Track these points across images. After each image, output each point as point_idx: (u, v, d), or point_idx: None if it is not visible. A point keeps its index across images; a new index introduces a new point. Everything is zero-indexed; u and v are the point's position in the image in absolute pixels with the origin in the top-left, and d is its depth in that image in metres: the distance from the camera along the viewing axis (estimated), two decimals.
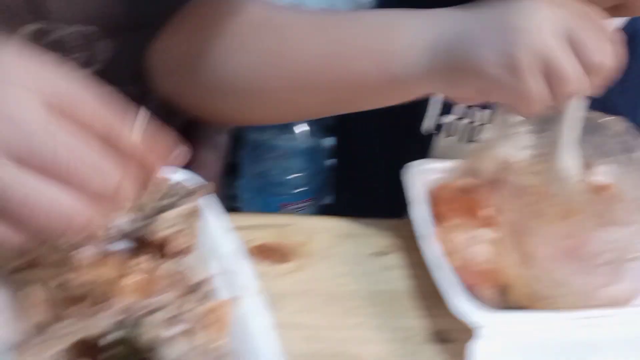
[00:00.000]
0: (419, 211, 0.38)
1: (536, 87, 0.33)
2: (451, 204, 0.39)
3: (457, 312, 0.32)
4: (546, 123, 0.38)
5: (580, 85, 0.33)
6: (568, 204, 0.35)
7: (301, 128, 0.62)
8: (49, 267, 0.30)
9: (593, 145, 0.36)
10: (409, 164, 0.42)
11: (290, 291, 0.37)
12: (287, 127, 0.63)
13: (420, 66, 0.36)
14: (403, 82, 0.37)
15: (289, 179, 0.63)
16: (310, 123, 0.62)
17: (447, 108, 0.49)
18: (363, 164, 0.59)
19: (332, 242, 0.41)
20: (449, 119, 0.49)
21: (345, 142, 0.63)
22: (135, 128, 0.26)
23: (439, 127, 0.50)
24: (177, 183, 0.39)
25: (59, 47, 0.40)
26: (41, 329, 0.29)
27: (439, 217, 0.39)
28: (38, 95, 0.23)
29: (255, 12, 0.42)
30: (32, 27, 0.41)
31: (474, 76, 0.34)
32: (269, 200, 0.64)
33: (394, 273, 0.39)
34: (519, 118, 0.39)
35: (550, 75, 0.33)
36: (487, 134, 0.44)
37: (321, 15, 0.43)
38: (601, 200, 0.35)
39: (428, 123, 0.50)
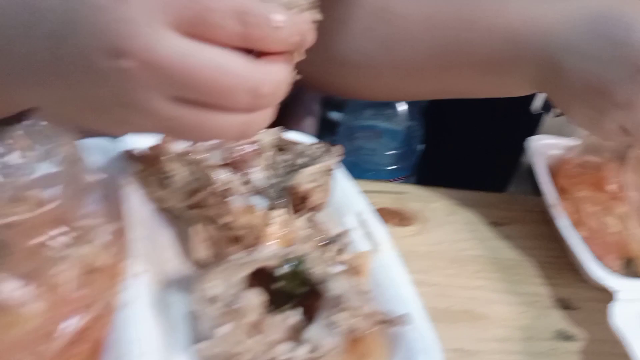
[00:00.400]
0: (546, 183, 0.39)
1: None
2: (573, 178, 0.40)
3: (594, 276, 0.33)
4: None
5: None
6: None
7: (400, 108, 0.64)
8: (212, 208, 0.33)
9: None
10: (530, 138, 0.43)
11: (414, 252, 0.38)
12: (386, 106, 0.65)
13: None
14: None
15: (383, 155, 0.65)
16: (409, 104, 0.64)
17: None
18: (460, 142, 0.60)
19: (450, 210, 0.43)
20: None
21: (440, 122, 0.64)
22: None
23: (547, 107, 0.51)
24: (308, 144, 0.41)
25: None
26: (203, 264, 0.33)
27: (561, 190, 0.40)
28: None
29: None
30: None
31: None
32: (362, 175, 0.67)
33: (512, 242, 0.40)
34: None
35: None
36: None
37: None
38: None
39: (538, 102, 0.51)
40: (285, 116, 0.47)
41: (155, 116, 0.23)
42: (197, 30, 0.22)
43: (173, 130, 0.25)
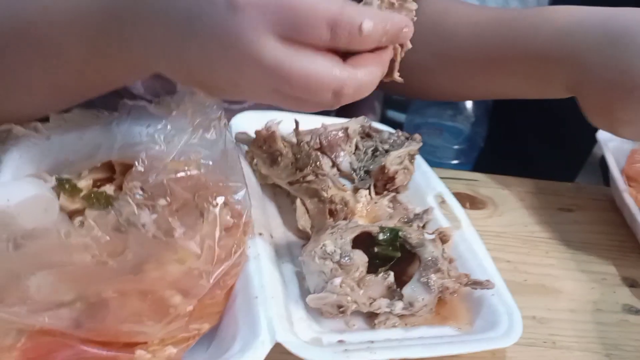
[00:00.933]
0: (615, 170, 0.42)
1: None
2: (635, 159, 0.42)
3: None
4: None
5: None
6: None
7: (463, 107, 0.68)
8: (313, 183, 0.37)
9: None
10: (600, 131, 0.45)
11: (488, 232, 0.42)
12: (449, 105, 0.68)
13: None
14: None
15: (446, 149, 0.68)
16: (474, 103, 0.67)
17: None
18: (526, 137, 0.63)
19: (520, 197, 0.46)
20: None
21: (507, 120, 0.67)
22: None
23: None
24: (390, 133, 0.46)
25: None
26: (304, 233, 0.37)
27: (629, 179, 0.42)
28: None
29: (436, 4, 0.48)
30: None
31: None
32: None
33: (581, 227, 0.43)
34: None
35: None
36: None
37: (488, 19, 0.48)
38: None
39: None
40: (348, 112, 0.51)
41: (264, 63, 0.26)
42: (293, 37, 0.26)
43: (279, 83, 0.27)
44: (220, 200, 0.29)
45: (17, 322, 0.25)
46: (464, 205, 0.44)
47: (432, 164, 0.46)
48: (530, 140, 0.63)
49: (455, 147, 0.68)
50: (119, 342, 0.27)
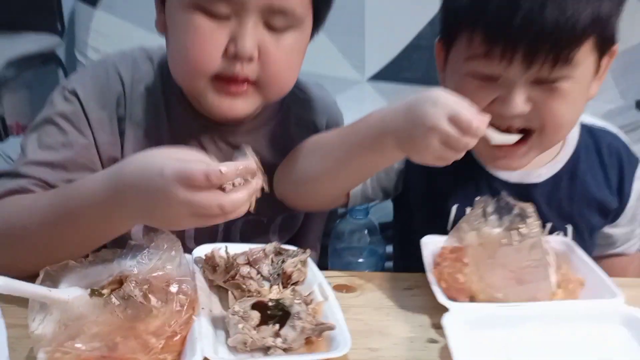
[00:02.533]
0: (427, 259, 0.68)
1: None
2: (444, 256, 0.69)
3: (441, 301, 0.61)
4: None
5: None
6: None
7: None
8: (239, 282, 0.64)
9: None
10: (423, 238, 0.73)
11: (356, 304, 0.67)
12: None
13: None
14: None
15: (361, 263, 0.95)
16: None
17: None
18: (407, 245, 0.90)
19: (376, 284, 0.72)
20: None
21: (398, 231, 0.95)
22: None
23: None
24: (293, 249, 0.73)
25: None
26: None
27: (436, 264, 0.69)
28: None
29: (311, 140, 0.77)
30: None
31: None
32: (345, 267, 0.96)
33: (414, 292, 0.69)
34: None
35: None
36: (465, 219, 0.73)
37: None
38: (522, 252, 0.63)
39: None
40: (295, 243, 0.79)
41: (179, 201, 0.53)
42: (191, 185, 0.52)
43: (190, 209, 0.53)
44: (174, 287, 0.56)
45: (77, 352, 0.51)
46: (341, 290, 0.70)
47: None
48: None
49: (364, 259, 0.95)
50: None
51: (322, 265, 0.83)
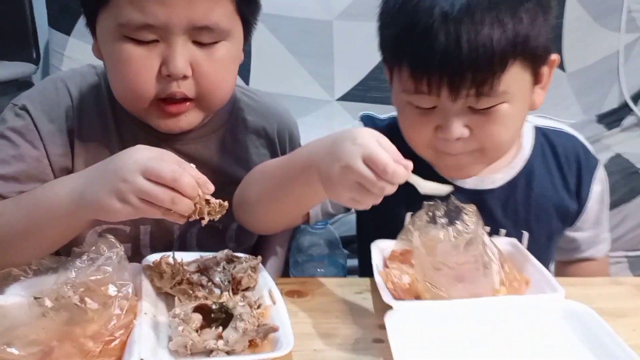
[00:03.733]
0: (376, 262, 0.69)
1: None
2: (393, 259, 0.70)
3: (386, 301, 0.61)
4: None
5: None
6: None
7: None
8: (187, 288, 0.64)
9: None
10: (374, 242, 0.74)
11: (306, 309, 0.67)
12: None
13: None
14: None
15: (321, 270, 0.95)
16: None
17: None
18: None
19: (328, 289, 0.72)
20: None
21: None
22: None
23: None
24: (245, 257, 0.73)
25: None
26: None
27: (385, 266, 0.69)
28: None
29: (257, 168, 0.78)
30: None
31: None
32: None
33: (364, 295, 0.69)
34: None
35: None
36: (412, 222, 0.73)
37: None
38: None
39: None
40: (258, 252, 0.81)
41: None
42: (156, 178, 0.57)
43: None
44: (114, 291, 0.56)
45: (12, 357, 0.50)
46: (294, 295, 0.70)
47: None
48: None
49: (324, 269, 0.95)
50: None
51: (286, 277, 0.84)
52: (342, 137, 0.60)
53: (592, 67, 1.76)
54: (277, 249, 0.98)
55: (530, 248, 0.76)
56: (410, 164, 0.58)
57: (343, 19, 1.76)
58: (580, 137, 0.85)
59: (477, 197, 0.76)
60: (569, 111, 1.73)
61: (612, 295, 0.71)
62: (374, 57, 1.77)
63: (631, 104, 1.70)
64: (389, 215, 0.83)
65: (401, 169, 0.57)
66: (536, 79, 0.70)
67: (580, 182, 0.81)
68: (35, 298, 0.56)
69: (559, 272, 0.89)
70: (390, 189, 0.58)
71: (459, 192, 0.77)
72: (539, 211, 0.79)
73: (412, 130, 0.72)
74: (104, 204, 0.59)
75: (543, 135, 0.82)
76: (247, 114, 0.86)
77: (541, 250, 0.79)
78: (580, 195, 0.81)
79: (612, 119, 1.67)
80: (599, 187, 0.82)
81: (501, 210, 0.79)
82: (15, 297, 0.57)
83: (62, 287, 0.53)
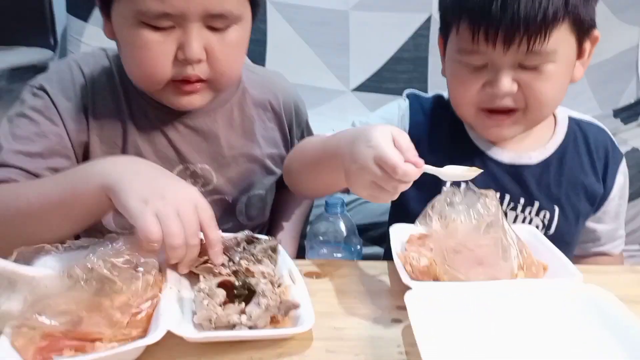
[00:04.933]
0: (394, 245, 0.70)
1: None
2: (411, 242, 0.71)
3: (405, 281, 0.62)
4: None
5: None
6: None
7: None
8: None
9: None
10: (393, 226, 0.75)
11: (325, 289, 0.68)
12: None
13: None
14: None
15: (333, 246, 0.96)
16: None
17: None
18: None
19: (346, 271, 0.73)
20: None
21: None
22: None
23: None
24: (264, 238, 0.74)
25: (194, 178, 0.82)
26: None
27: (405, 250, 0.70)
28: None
29: (301, 144, 0.83)
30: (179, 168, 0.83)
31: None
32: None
33: (381, 278, 0.70)
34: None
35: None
36: (431, 206, 0.74)
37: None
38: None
39: None
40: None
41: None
42: None
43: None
44: (141, 267, 0.57)
45: (42, 326, 0.52)
46: (311, 276, 0.71)
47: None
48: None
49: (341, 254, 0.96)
50: (87, 338, 0.53)
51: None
52: (359, 137, 0.63)
53: (609, 61, 1.75)
54: (291, 234, 0.99)
55: (560, 224, 0.82)
56: (420, 162, 0.60)
57: (359, 9, 1.76)
58: (608, 131, 0.89)
59: (515, 171, 0.82)
60: (586, 105, 1.73)
61: (629, 282, 0.72)
62: (389, 48, 1.81)
63: None
64: (425, 186, 0.79)
65: (411, 168, 0.59)
66: (579, 51, 0.74)
67: (607, 170, 0.85)
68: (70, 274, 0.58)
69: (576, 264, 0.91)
70: (404, 186, 0.61)
71: (497, 165, 0.82)
72: (569, 190, 0.83)
73: (461, 87, 0.76)
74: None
75: (576, 124, 0.87)
76: (253, 88, 0.90)
77: (570, 228, 0.83)
78: (606, 182, 0.85)
79: (629, 113, 1.66)
80: (622, 178, 0.86)
81: (536, 184, 0.82)
82: (45, 269, 0.59)
83: (92, 259, 0.55)
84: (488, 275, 0.62)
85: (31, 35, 2.01)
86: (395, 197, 0.62)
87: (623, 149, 1.46)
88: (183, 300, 0.61)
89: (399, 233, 0.74)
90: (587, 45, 0.75)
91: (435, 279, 0.66)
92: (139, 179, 0.62)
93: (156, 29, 0.70)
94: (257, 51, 1.75)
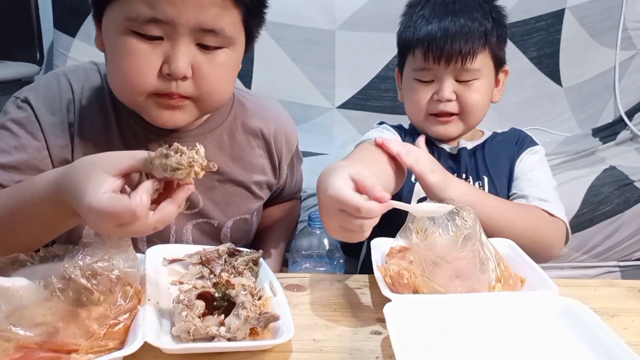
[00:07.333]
0: (375, 258, 0.71)
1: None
2: (391, 255, 0.71)
3: (384, 294, 0.62)
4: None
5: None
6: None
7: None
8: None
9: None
10: (373, 240, 0.75)
11: (304, 302, 0.69)
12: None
13: None
14: None
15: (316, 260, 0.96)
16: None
17: None
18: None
19: (327, 284, 0.73)
20: None
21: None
22: None
23: None
24: (247, 250, 0.75)
25: None
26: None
27: (385, 262, 0.71)
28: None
29: None
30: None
31: None
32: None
33: (363, 290, 0.70)
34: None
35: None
36: (411, 220, 0.76)
37: None
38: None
39: None
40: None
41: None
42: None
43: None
44: (119, 277, 0.57)
45: (17, 337, 0.51)
46: (293, 290, 0.71)
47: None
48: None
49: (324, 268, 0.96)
50: (62, 350, 0.53)
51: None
52: (320, 185, 0.66)
53: (588, 83, 1.80)
54: (275, 249, 0.99)
55: (490, 189, 0.97)
56: (385, 197, 0.61)
57: (345, 29, 1.79)
58: (527, 132, 1.07)
59: (455, 154, 1.02)
60: (566, 125, 1.76)
61: (605, 296, 0.73)
62: (374, 66, 1.84)
63: (626, 119, 1.72)
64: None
65: (373, 205, 0.60)
66: (496, 79, 1.01)
67: (519, 151, 1.02)
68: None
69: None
70: (371, 222, 0.61)
71: (442, 153, 1.02)
72: (495, 167, 1.01)
73: (415, 97, 0.99)
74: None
75: (499, 134, 1.08)
76: (244, 115, 0.88)
77: (499, 192, 0.97)
78: (517, 157, 1.02)
79: (607, 133, 1.70)
80: (533, 157, 1.01)
81: (469, 161, 1.02)
82: (21, 280, 0.58)
83: (69, 268, 0.54)
84: (466, 288, 0.63)
85: (18, 50, 2.00)
86: (366, 234, 0.62)
87: (601, 167, 1.52)
88: (162, 312, 0.61)
89: (379, 246, 0.75)
90: (501, 76, 1.02)
91: (415, 291, 0.66)
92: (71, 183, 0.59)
93: (145, 38, 0.68)
94: (244, 68, 1.74)
